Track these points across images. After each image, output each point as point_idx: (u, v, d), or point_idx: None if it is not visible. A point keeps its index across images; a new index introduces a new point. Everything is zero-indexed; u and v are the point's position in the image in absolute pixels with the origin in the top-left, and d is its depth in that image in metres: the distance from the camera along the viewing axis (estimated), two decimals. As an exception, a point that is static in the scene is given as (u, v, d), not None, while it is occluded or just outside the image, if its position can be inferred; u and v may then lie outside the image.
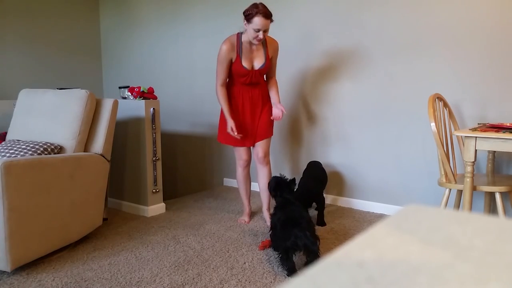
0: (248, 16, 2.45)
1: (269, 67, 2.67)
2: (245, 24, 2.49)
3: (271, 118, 2.72)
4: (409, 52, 2.88)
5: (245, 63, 2.58)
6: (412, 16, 2.84)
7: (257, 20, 2.42)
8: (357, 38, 3.10)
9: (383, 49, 2.98)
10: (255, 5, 2.46)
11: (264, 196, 2.80)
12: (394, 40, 2.93)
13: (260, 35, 2.46)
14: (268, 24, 2.47)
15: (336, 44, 3.20)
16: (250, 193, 2.90)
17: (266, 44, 2.63)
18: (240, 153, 2.76)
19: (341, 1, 3.14)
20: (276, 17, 3.50)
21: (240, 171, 2.82)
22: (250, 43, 2.57)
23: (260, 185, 2.80)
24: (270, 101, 2.76)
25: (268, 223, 2.71)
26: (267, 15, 2.44)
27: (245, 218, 2.87)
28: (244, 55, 2.58)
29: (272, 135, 2.78)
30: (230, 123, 2.58)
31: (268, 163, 2.77)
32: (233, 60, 2.58)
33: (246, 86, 2.66)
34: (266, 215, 2.80)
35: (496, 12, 2.54)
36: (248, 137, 2.72)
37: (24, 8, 4.28)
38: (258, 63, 2.62)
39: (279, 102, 2.73)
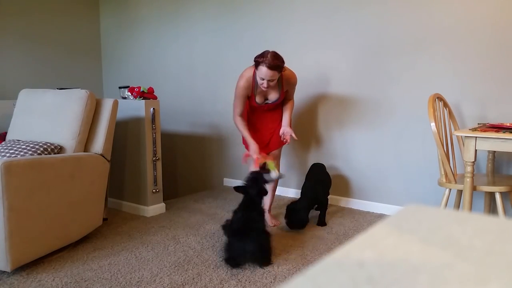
0: (255, 62, 2.40)
1: (283, 99, 2.68)
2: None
3: (280, 135, 2.74)
4: (409, 52, 2.88)
5: (258, 99, 2.61)
6: (412, 16, 2.84)
7: (262, 70, 2.36)
8: (357, 38, 3.09)
9: (383, 49, 2.98)
10: (263, 54, 2.38)
11: (268, 197, 2.80)
12: (394, 40, 2.93)
13: (265, 84, 2.40)
14: (275, 75, 2.37)
15: (335, 44, 3.20)
16: None
17: (282, 80, 2.55)
18: None
19: (340, 0, 3.14)
20: (277, 18, 3.50)
21: None
22: None
23: None
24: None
25: (269, 222, 2.74)
26: (272, 67, 2.34)
27: (246, 218, 2.87)
28: (258, 92, 2.57)
29: (282, 144, 2.83)
30: (254, 147, 2.54)
31: (277, 165, 2.84)
32: (249, 96, 2.59)
33: (264, 111, 2.73)
34: (267, 215, 2.81)
35: (496, 12, 2.54)
36: (263, 146, 2.76)
37: (24, 8, 4.28)
38: (272, 97, 2.63)
39: (289, 125, 2.70)
